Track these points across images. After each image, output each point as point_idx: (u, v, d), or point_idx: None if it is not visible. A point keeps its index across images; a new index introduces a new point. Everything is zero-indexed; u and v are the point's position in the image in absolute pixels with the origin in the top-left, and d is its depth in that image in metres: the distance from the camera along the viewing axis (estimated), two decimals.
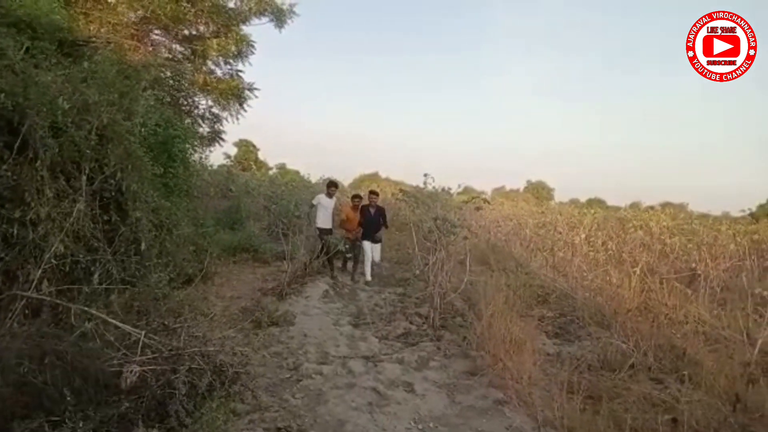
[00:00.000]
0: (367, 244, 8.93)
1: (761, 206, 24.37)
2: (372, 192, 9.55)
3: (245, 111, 11.27)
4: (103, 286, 3.88)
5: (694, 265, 7.87)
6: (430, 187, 7.97)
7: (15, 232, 3.56)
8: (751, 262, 7.98)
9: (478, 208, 8.83)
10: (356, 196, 9.59)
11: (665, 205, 17.63)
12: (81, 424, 2.73)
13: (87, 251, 3.95)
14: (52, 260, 3.54)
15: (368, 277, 8.78)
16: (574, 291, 7.17)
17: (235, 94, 10.74)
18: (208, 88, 10.40)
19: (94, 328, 3.37)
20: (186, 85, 9.15)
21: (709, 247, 8.82)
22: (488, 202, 9.94)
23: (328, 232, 8.88)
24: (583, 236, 9.52)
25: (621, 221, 11.74)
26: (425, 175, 7.78)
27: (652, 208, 14.84)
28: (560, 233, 10.49)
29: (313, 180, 20.01)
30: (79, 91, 4.16)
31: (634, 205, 17.34)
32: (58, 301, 3.45)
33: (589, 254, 8.64)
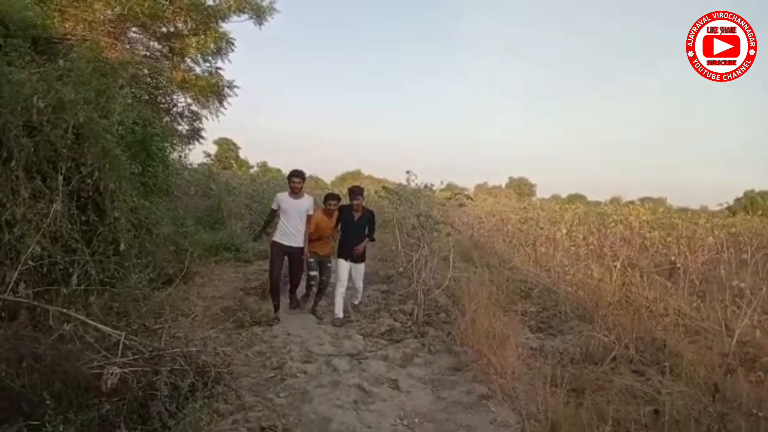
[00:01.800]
0: (343, 265, 6.27)
1: (738, 200, 24.85)
2: (354, 189, 6.53)
3: (225, 109, 11.22)
4: (82, 287, 3.81)
5: (673, 258, 7.97)
6: (413, 184, 7.96)
7: None
8: (729, 255, 8.10)
9: (461, 205, 8.87)
10: (331, 197, 6.40)
11: (645, 200, 17.87)
12: (61, 428, 2.68)
13: (65, 252, 3.89)
14: (29, 262, 3.48)
15: (338, 313, 6.10)
16: (556, 285, 7.23)
17: (214, 91, 10.66)
18: (187, 85, 10.28)
19: (73, 330, 3.30)
20: (164, 82, 9.03)
21: (687, 240, 8.94)
22: (471, 199, 9.89)
23: (296, 251, 6.00)
24: (564, 231, 9.60)
25: (601, 216, 11.86)
26: (408, 172, 7.74)
27: (632, 203, 15.02)
28: (542, 229, 10.56)
29: None
30: (55, 90, 4.08)
31: (615, 200, 17.49)
32: (36, 303, 3.38)
33: (570, 249, 8.71)
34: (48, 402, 2.77)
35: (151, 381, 3.13)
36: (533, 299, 7.05)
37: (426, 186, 8.08)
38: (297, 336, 5.39)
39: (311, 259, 6.30)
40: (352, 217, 6.38)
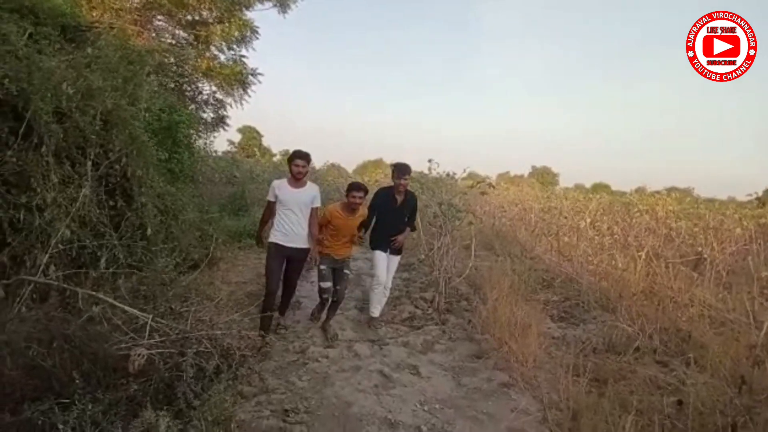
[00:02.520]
0: (381, 258, 5.37)
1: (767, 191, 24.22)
2: (402, 167, 5.28)
3: (249, 96, 11.27)
4: (110, 270, 3.89)
5: (699, 249, 7.83)
6: (434, 173, 7.94)
7: (21, 217, 3.56)
8: (758, 246, 7.93)
9: (483, 193, 8.81)
10: (356, 187, 4.96)
11: (671, 190, 17.50)
12: (90, 407, 2.75)
13: (93, 236, 3.96)
14: (59, 245, 3.56)
15: (375, 311, 5.44)
16: (579, 275, 7.16)
17: (238, 79, 10.73)
18: (212, 73, 10.37)
19: (101, 312, 3.38)
20: (189, 70, 9.11)
21: (715, 231, 8.77)
22: (493, 187, 9.79)
23: (297, 254, 4.78)
24: (588, 221, 9.48)
25: (626, 206, 11.69)
26: (429, 160, 7.72)
27: (657, 193, 14.75)
28: (565, 218, 10.45)
29: (317, 166, 20.02)
30: (83, 77, 4.14)
31: (640, 190, 17.23)
32: (66, 286, 3.46)
33: (594, 239, 8.61)
34: (77, 381, 2.85)
35: (177, 362, 3.20)
36: (555, 289, 7.00)
37: (448, 174, 8.05)
38: (319, 321, 5.44)
39: (323, 266, 5.00)
40: (393, 202, 5.31)
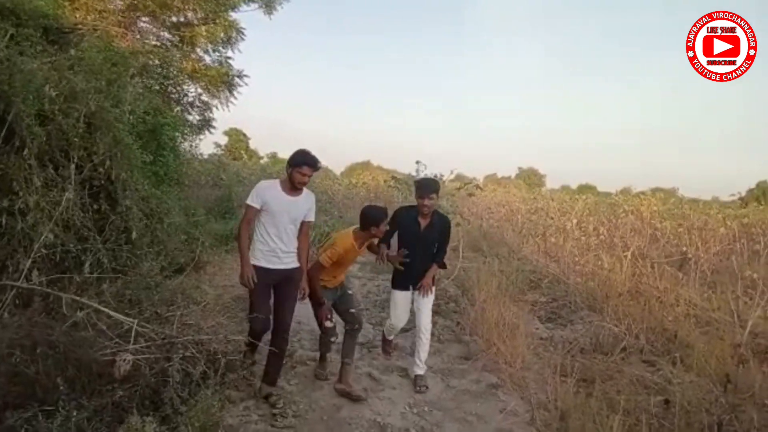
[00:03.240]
0: (399, 300, 4.24)
1: (751, 191, 24.57)
2: (426, 184, 4.16)
3: (235, 98, 11.23)
4: (95, 275, 3.85)
5: (684, 249, 7.92)
6: (422, 175, 7.97)
7: (3, 221, 3.52)
8: (741, 246, 8.04)
9: (470, 195, 8.85)
10: (380, 215, 3.87)
11: (656, 191, 17.69)
12: (75, 413, 2.72)
13: (77, 240, 3.92)
14: (42, 249, 3.51)
15: (417, 369, 4.13)
16: (566, 276, 7.21)
17: (224, 81, 10.68)
18: (197, 75, 10.31)
19: (86, 317, 3.34)
20: (174, 72, 9.03)
21: (699, 231, 8.88)
22: (480, 189, 9.85)
23: (289, 275, 3.67)
24: (574, 221, 9.55)
25: (612, 206, 11.79)
26: (417, 162, 7.76)
27: (642, 193, 14.89)
28: (552, 219, 10.51)
29: None
30: (66, 79, 4.09)
31: (625, 191, 17.36)
32: (49, 291, 3.42)
33: (580, 239, 8.67)
34: (61, 388, 2.81)
35: (163, 368, 3.16)
36: (543, 289, 7.04)
37: (435, 176, 8.09)
38: (307, 324, 5.39)
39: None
40: (416, 226, 4.07)
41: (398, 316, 4.29)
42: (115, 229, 4.31)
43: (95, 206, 4.21)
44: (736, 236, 8.32)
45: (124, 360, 3.07)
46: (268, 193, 3.52)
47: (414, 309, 4.28)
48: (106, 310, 3.43)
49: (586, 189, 28.17)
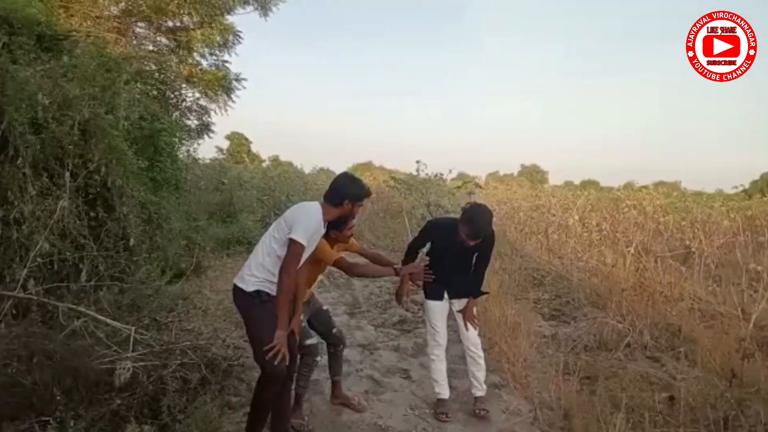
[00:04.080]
0: (435, 309, 3.66)
1: (755, 183, 24.45)
2: (472, 225, 3.35)
3: (233, 102, 11.25)
4: (92, 283, 3.83)
5: (688, 242, 7.86)
6: (423, 174, 7.96)
7: None
8: (745, 238, 7.96)
9: (470, 193, 8.80)
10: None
11: (659, 185, 17.64)
12: (72, 423, 2.70)
13: (74, 248, 3.90)
14: (38, 258, 3.49)
15: (442, 392, 3.64)
16: (569, 273, 7.16)
17: (222, 85, 10.69)
18: (195, 79, 10.32)
19: (83, 326, 3.33)
20: (172, 77, 9.03)
21: (702, 224, 8.81)
22: (480, 187, 9.81)
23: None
24: (576, 217, 9.50)
25: (615, 201, 11.72)
26: (417, 161, 7.74)
27: (645, 187, 14.82)
28: (553, 216, 10.46)
29: (306, 170, 19.96)
30: (59, 86, 4.08)
31: (628, 186, 17.31)
32: (45, 300, 3.40)
33: (583, 235, 8.62)
34: (58, 398, 2.79)
35: (161, 375, 3.15)
36: (546, 287, 6.99)
37: (436, 175, 8.07)
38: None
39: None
40: (457, 241, 3.42)
41: (437, 331, 3.62)
42: (112, 236, 4.29)
43: (92, 213, 4.19)
44: (740, 229, 8.23)
45: (124, 368, 3.05)
46: (317, 227, 2.80)
47: (456, 321, 3.71)
48: (103, 318, 3.42)
49: (589, 185, 28.03)
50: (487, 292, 3.83)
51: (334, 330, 3.60)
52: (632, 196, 11.70)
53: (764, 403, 3.40)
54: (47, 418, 2.70)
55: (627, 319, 5.13)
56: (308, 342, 3.31)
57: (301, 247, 2.63)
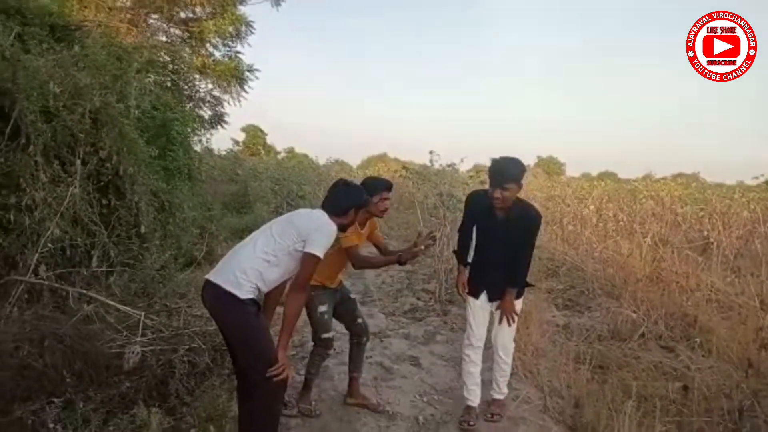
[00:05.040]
0: (476, 308, 3.32)
1: None
2: (494, 171, 3.02)
3: (246, 93, 11.26)
4: (102, 269, 3.87)
5: (706, 233, 7.73)
6: (436, 165, 7.90)
7: (11, 218, 3.55)
8: (765, 229, 7.79)
9: (482, 182, 8.71)
10: (374, 182, 3.28)
11: (677, 176, 17.36)
12: (81, 405, 2.73)
13: (86, 235, 3.94)
14: (49, 244, 3.53)
15: (472, 398, 3.33)
16: (584, 263, 7.08)
17: (234, 75, 10.70)
18: (207, 70, 10.36)
19: (94, 311, 3.37)
20: (185, 68, 9.07)
21: (721, 215, 8.65)
22: None
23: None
24: (592, 208, 9.39)
25: (632, 192, 11.57)
26: (431, 152, 7.67)
27: (664, 179, 14.58)
28: (568, 206, 10.35)
29: (321, 162, 20.01)
30: (71, 75, 4.11)
31: (647, 177, 17.02)
32: (57, 285, 3.45)
33: (598, 226, 8.52)
34: (68, 380, 2.82)
35: (170, 359, 3.17)
36: (560, 277, 6.93)
37: (449, 165, 8.00)
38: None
39: (322, 308, 3.24)
40: (490, 218, 3.15)
41: (473, 330, 3.32)
42: (124, 223, 4.33)
43: (103, 201, 4.24)
44: (760, 220, 8.06)
45: (133, 352, 3.08)
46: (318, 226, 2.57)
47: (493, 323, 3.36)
48: (113, 303, 3.46)
49: (606, 176, 27.67)
50: (531, 285, 3.41)
51: (359, 320, 3.47)
52: (650, 187, 11.54)
53: None
54: (57, 400, 2.73)
55: (641, 309, 5.06)
56: (324, 336, 3.26)
57: (317, 262, 2.47)
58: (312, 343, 3.39)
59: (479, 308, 3.30)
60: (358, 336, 3.48)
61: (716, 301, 5.31)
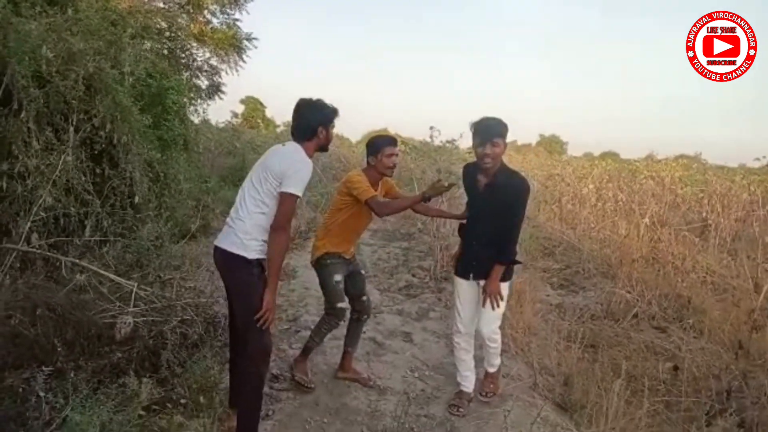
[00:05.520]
0: (462, 287, 3.23)
1: None
2: (479, 126, 2.96)
3: (244, 62, 11.09)
4: (96, 238, 3.84)
5: (705, 215, 7.72)
6: (437, 141, 7.83)
7: (4, 185, 3.52)
8: (765, 212, 7.77)
9: None
10: (378, 139, 3.27)
11: (680, 158, 17.23)
12: (73, 374, 2.73)
13: (79, 204, 3.90)
14: (42, 213, 3.49)
15: (466, 384, 3.29)
16: (581, 242, 7.07)
17: (232, 44, 10.53)
18: (205, 38, 10.17)
19: (86, 281, 3.35)
20: (182, 35, 8.90)
21: (721, 197, 8.62)
22: None
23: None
24: (591, 187, 9.35)
25: (632, 173, 11.52)
26: (431, 128, 7.60)
27: (666, 160, 14.49)
28: (568, 185, 10.30)
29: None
30: (64, 40, 4.02)
31: (649, 158, 16.91)
32: (49, 254, 3.42)
33: (597, 205, 8.50)
34: (60, 349, 2.82)
35: (162, 331, 3.16)
36: (556, 256, 6.93)
37: (449, 142, 7.93)
38: (315, 290, 5.37)
39: (338, 277, 3.19)
40: (475, 186, 3.10)
41: (459, 314, 3.25)
42: (118, 193, 4.29)
43: (97, 170, 4.19)
44: (759, 202, 8.03)
45: (125, 322, 3.08)
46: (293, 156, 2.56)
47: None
48: (105, 273, 3.44)
49: (608, 156, 27.52)
50: (518, 262, 3.18)
51: (365, 298, 3.39)
52: (651, 167, 11.49)
53: None
54: (48, 369, 2.73)
55: (636, 289, 5.07)
56: (340, 305, 3.18)
57: (297, 200, 2.45)
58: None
59: (464, 288, 3.21)
60: (359, 312, 3.40)
61: (711, 283, 5.33)
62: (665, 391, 3.28)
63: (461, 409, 3.15)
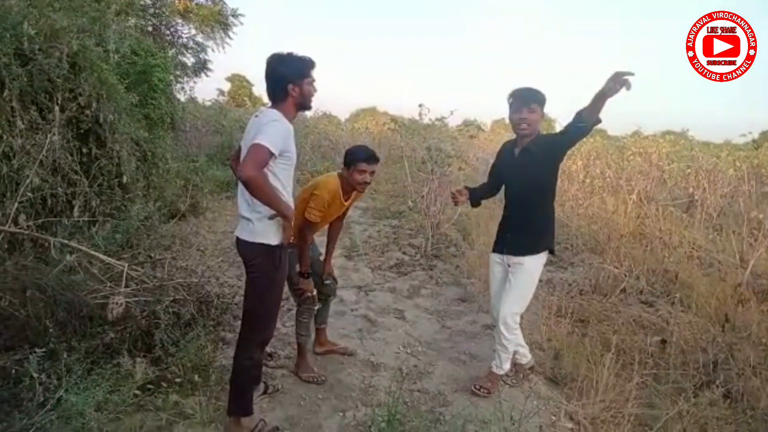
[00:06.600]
0: (491, 264, 3.23)
1: (765, 133, 23.94)
2: (517, 95, 2.89)
3: (230, 39, 10.91)
4: (84, 218, 3.81)
5: (691, 190, 7.80)
6: (426, 119, 7.79)
7: None
8: (749, 187, 7.86)
9: (471, 137, 8.66)
10: (357, 150, 3.02)
11: (666, 134, 17.29)
12: (65, 355, 2.72)
13: (67, 184, 3.86)
14: (28, 193, 3.45)
15: (503, 365, 3.09)
16: (569, 219, 7.12)
17: (218, 21, 10.34)
18: (190, 15, 9.98)
19: (76, 261, 3.32)
20: (166, 12, 8.72)
21: (707, 173, 8.70)
22: (483, 130, 9.61)
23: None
24: (579, 164, 9.39)
25: (620, 149, 11.57)
26: (420, 105, 7.56)
27: (653, 136, 14.54)
28: None
29: (308, 114, 19.65)
30: (46, 16, 3.93)
31: (635, 134, 16.95)
32: (37, 235, 3.39)
33: (585, 182, 8.55)
34: (51, 330, 2.81)
35: (154, 311, 3.15)
36: None
37: (438, 119, 7.90)
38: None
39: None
40: (510, 156, 3.08)
41: (492, 290, 3.22)
42: (105, 173, 4.24)
43: (83, 149, 4.13)
44: (744, 178, 8.12)
45: (117, 303, 3.06)
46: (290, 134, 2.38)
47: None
48: (95, 253, 3.41)
49: (596, 133, 27.63)
50: (551, 251, 3.14)
51: (328, 281, 3.39)
52: (638, 143, 11.53)
53: (754, 346, 3.43)
54: (41, 350, 2.72)
55: (624, 264, 5.13)
56: (328, 282, 3.33)
57: (266, 152, 2.12)
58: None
59: (496, 266, 3.15)
60: (325, 295, 3.40)
61: (697, 258, 5.40)
62: (653, 364, 3.33)
63: (486, 389, 3.05)
